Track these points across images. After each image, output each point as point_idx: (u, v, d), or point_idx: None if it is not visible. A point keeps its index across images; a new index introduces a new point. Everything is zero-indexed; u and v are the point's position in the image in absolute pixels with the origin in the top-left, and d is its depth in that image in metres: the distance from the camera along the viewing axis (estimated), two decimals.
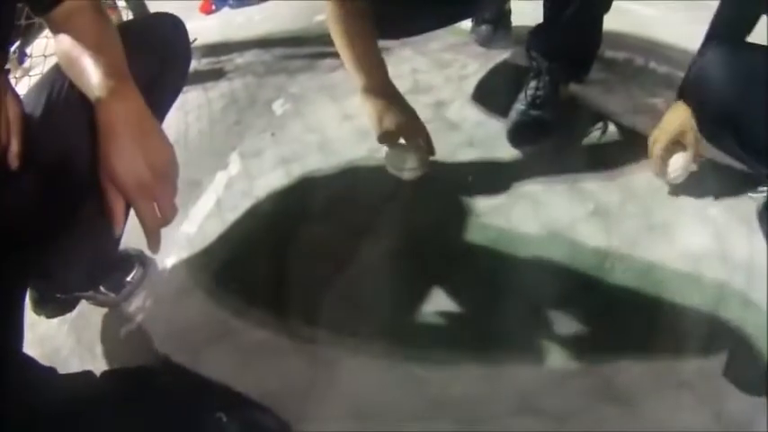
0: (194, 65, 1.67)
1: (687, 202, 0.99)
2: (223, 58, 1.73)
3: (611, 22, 1.08)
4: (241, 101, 1.48)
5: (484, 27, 1.42)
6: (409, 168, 1.05)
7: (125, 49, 0.79)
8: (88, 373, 0.82)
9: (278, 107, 1.41)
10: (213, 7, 2.14)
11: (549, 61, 1.10)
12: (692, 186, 1.00)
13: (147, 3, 1.77)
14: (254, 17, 1.95)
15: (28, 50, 1.73)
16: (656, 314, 0.85)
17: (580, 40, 1.07)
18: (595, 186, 1.06)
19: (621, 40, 1.39)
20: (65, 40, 0.79)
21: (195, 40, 1.90)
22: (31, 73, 1.56)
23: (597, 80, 1.25)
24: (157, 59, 0.92)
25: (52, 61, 0.85)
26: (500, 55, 1.41)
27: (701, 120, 0.87)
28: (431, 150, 1.05)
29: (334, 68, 1.46)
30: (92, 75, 0.72)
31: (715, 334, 0.82)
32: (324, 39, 1.53)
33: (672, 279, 0.89)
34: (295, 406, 0.83)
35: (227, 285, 1.04)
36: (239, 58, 1.70)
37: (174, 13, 0.99)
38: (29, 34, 1.65)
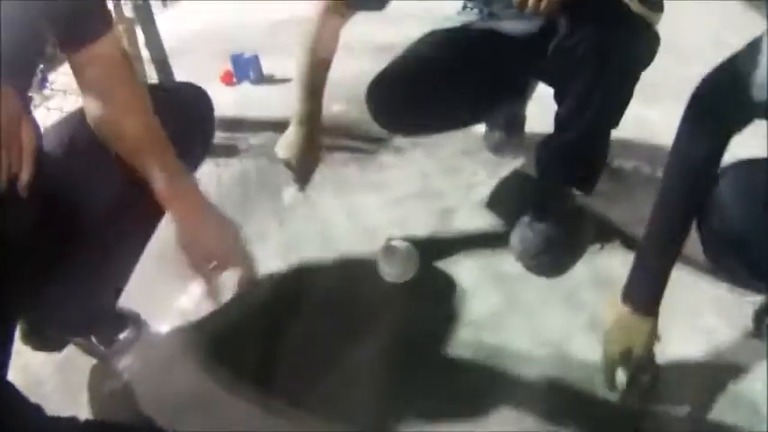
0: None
1: (681, 309, 1.04)
2: (238, 135, 1.83)
3: (619, 128, 1.15)
4: (251, 182, 1.56)
5: (497, 134, 1.52)
6: (388, 273, 1.13)
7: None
8: (72, 419, 0.86)
9: (287, 195, 1.48)
10: (234, 80, 2.27)
11: (555, 174, 1.18)
12: (686, 294, 1.04)
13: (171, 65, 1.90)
14: (272, 97, 2.07)
15: (50, 77, 1.80)
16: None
17: (587, 154, 1.15)
18: (592, 298, 1.12)
19: (629, 148, 1.48)
20: (95, 107, 0.86)
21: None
22: (50, 105, 1.63)
23: (603, 190, 1.32)
24: (183, 132, 0.97)
25: (72, 99, 0.93)
26: (511, 163, 1.50)
27: (708, 246, 0.92)
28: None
29: (345, 163, 1.55)
30: (148, 167, 0.84)
31: None
32: (339, 131, 1.70)
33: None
34: None
35: (216, 360, 1.08)
36: (253, 138, 1.80)
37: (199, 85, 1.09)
38: (53, 59, 1.73)
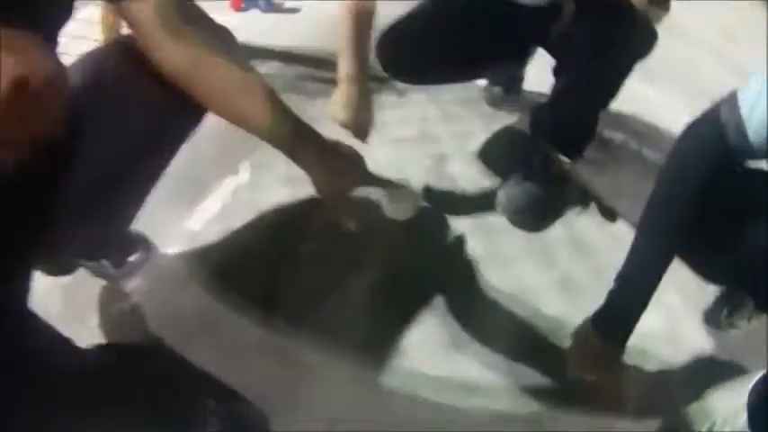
0: None
1: None
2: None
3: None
4: None
5: (496, 89, 1.66)
6: (390, 210, 1.27)
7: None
8: (99, 348, 0.99)
9: None
10: (242, 5, 2.35)
11: (545, 140, 1.34)
12: None
13: None
14: (281, 26, 2.16)
15: None
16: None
17: (576, 128, 1.30)
18: (565, 256, 1.30)
19: (621, 121, 1.63)
20: (172, 51, 0.81)
21: None
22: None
23: (590, 159, 1.48)
24: None
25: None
26: (506, 118, 1.64)
27: None
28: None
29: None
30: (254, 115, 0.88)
31: (650, 401, 1.05)
32: None
33: None
34: (272, 404, 1.03)
35: (222, 283, 1.24)
36: (261, 67, 1.90)
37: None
38: None
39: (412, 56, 1.28)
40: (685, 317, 1.20)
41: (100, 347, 1.05)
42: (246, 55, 0.91)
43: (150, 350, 1.14)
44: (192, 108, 0.92)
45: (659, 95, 1.77)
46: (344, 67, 1.21)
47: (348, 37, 1.19)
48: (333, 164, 0.94)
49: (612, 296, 0.96)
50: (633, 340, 1.08)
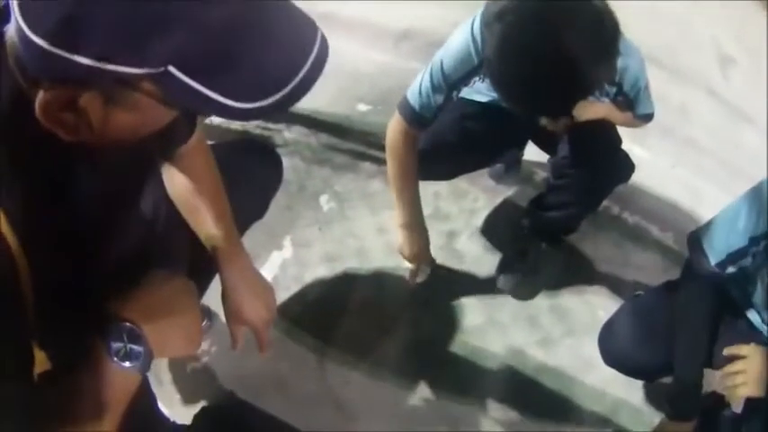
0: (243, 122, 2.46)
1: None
2: (271, 125, 2.48)
3: None
4: (291, 185, 2.24)
5: (498, 165, 2.24)
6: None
7: (226, 184, 1.26)
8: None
9: (324, 203, 2.21)
10: None
11: (536, 232, 1.94)
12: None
13: None
14: None
15: None
16: (569, 409, 1.74)
17: (561, 228, 1.92)
18: (547, 321, 1.93)
19: None
20: (179, 183, 1.22)
21: None
22: None
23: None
24: (252, 197, 1.50)
25: None
26: (507, 191, 2.24)
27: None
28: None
29: (374, 174, 2.24)
30: (211, 234, 1.22)
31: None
32: (366, 137, 2.38)
33: (584, 391, 1.77)
34: None
35: (280, 347, 1.82)
36: (287, 132, 2.46)
37: (270, 144, 1.75)
38: None
39: (450, 166, 1.83)
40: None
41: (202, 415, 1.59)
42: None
43: (238, 409, 1.70)
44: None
45: (644, 153, 2.34)
46: (401, 217, 1.75)
47: (395, 187, 1.72)
48: (248, 295, 1.24)
49: (678, 385, 1.42)
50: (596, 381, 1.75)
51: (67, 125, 0.66)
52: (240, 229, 1.35)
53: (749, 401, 1.32)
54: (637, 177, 2.21)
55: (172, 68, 0.61)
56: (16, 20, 0.60)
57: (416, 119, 1.61)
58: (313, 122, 2.50)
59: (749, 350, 1.32)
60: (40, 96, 0.63)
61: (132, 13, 0.59)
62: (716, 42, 2.92)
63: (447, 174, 1.92)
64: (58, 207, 0.79)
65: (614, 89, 1.57)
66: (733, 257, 1.30)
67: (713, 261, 1.32)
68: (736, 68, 2.81)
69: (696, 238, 1.37)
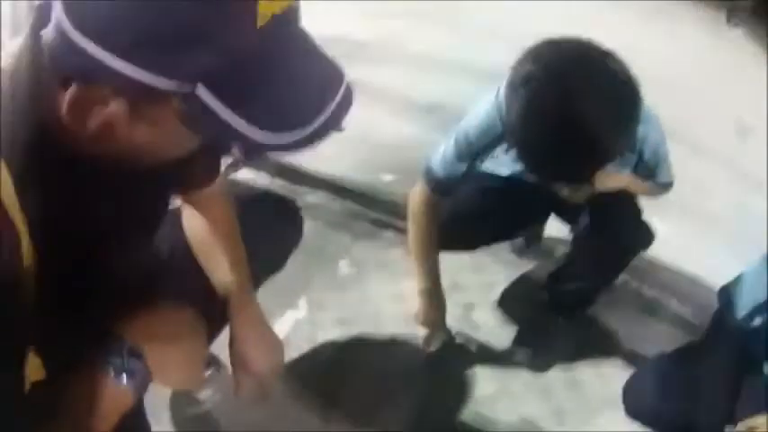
0: (267, 181, 2.55)
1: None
2: (295, 187, 2.57)
3: None
4: (310, 248, 2.29)
5: (519, 239, 2.30)
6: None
7: (244, 235, 1.29)
8: None
9: (343, 267, 2.27)
10: None
11: (553, 306, 1.98)
12: None
13: None
14: (324, 150, 2.80)
15: None
16: None
17: (579, 303, 1.95)
18: (561, 392, 1.93)
19: None
20: (198, 225, 1.27)
21: None
22: None
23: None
24: (270, 250, 1.51)
25: None
26: (528, 265, 2.28)
27: None
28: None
29: (394, 244, 2.30)
30: (224, 279, 1.25)
31: None
32: (389, 207, 2.44)
33: None
34: None
35: (286, 401, 1.83)
36: (310, 196, 2.55)
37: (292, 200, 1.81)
38: None
39: (471, 237, 1.88)
40: None
41: None
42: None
43: None
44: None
45: (663, 227, 2.37)
46: (420, 283, 1.82)
47: (416, 255, 1.80)
48: (256, 345, 1.26)
49: None
50: None
51: (90, 128, 0.68)
52: (256, 280, 1.37)
53: None
54: (655, 251, 2.26)
55: (201, 88, 0.64)
56: (57, 15, 0.63)
57: (440, 186, 1.69)
58: (337, 188, 2.59)
59: (764, 420, 1.34)
60: (70, 92, 0.65)
61: (172, 26, 0.62)
62: (736, 114, 3.00)
63: (465, 245, 1.97)
64: (73, 217, 0.79)
65: (635, 157, 1.63)
66: (759, 309, 1.37)
67: (740, 313, 1.40)
68: (755, 139, 2.88)
69: (725, 290, 1.46)
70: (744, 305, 1.39)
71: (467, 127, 1.62)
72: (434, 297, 1.86)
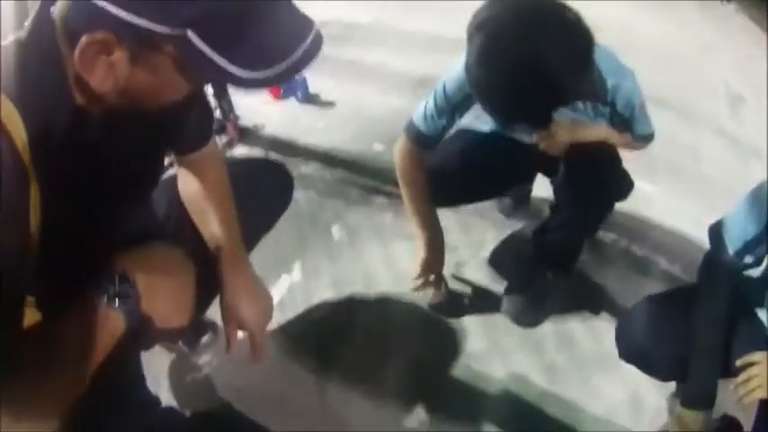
0: (262, 154, 2.60)
1: (618, 366, 1.79)
2: (289, 159, 2.62)
3: None
4: (304, 216, 2.36)
5: (507, 200, 2.33)
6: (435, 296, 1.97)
7: (235, 195, 1.36)
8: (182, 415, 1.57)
9: (335, 232, 2.32)
10: (281, 94, 3.06)
11: (540, 259, 2.01)
12: None
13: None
14: (317, 124, 2.88)
15: None
16: None
17: (565, 255, 1.98)
18: (552, 347, 1.96)
19: (614, 220, 2.18)
20: (191, 185, 1.35)
21: (264, 126, 2.84)
22: None
23: (581, 260, 2.10)
24: (260, 211, 1.56)
25: None
26: (516, 225, 2.32)
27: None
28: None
29: (384, 208, 2.35)
30: (215, 235, 1.31)
31: None
32: (380, 174, 2.49)
33: (589, 420, 1.77)
34: None
35: (282, 362, 1.88)
36: (303, 167, 2.60)
37: (282, 164, 1.85)
38: None
39: (455, 192, 1.90)
40: (649, 390, 1.81)
41: (195, 416, 1.68)
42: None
43: (230, 417, 1.73)
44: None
45: (653, 189, 2.40)
46: (421, 235, 1.85)
47: (410, 209, 1.83)
48: (246, 298, 1.30)
49: (694, 377, 1.44)
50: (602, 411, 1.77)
51: (98, 74, 0.78)
52: (248, 239, 1.43)
53: (764, 405, 1.35)
54: (645, 212, 2.33)
55: (190, 33, 0.74)
56: None
57: (421, 139, 1.74)
58: (329, 159, 2.65)
59: (762, 356, 1.35)
60: (80, 44, 0.75)
61: None
62: (725, 81, 3.03)
63: (451, 199, 2.01)
64: (80, 170, 0.89)
65: (608, 109, 1.66)
66: (749, 245, 1.35)
67: (731, 250, 1.38)
68: (745, 106, 2.91)
69: (716, 227, 1.44)
70: (734, 242, 1.37)
71: (445, 82, 1.67)
72: (435, 244, 1.88)
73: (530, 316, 2.04)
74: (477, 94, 1.42)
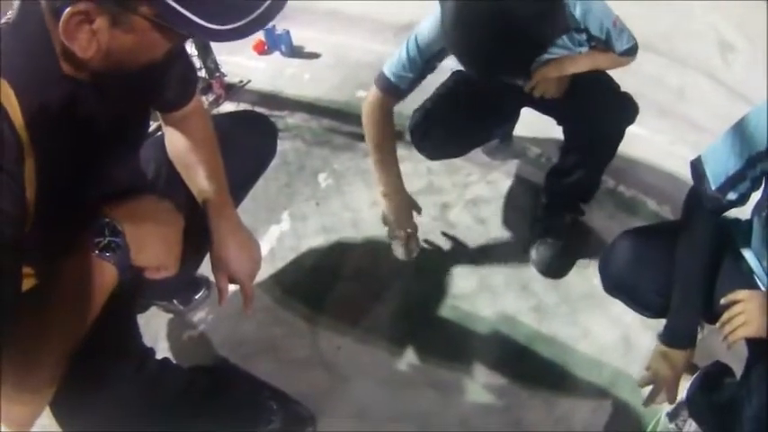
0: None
1: (608, 307, 1.82)
2: (275, 112, 2.58)
3: None
4: (291, 164, 2.33)
5: (492, 141, 2.29)
6: (400, 254, 1.90)
7: (222, 149, 1.38)
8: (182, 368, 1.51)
9: (322, 179, 2.28)
10: (265, 49, 3.00)
11: (558, 204, 1.98)
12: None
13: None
14: (303, 75, 2.82)
15: None
16: (562, 377, 1.71)
17: (582, 191, 1.97)
18: (541, 288, 1.94)
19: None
20: (178, 142, 1.37)
21: (249, 81, 2.79)
22: None
23: None
24: (247, 162, 1.58)
25: None
26: (500, 166, 2.28)
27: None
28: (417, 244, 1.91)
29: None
30: (203, 189, 1.32)
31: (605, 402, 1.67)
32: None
33: (579, 360, 1.75)
34: (318, 404, 1.64)
35: (275, 313, 1.88)
36: (290, 118, 2.56)
37: (265, 115, 1.82)
38: None
39: (441, 141, 1.87)
40: (640, 331, 1.80)
41: (191, 369, 1.63)
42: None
43: (225, 369, 1.76)
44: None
45: (642, 131, 2.35)
46: (382, 185, 1.82)
47: (374, 156, 1.81)
48: (235, 248, 1.31)
49: (670, 315, 1.43)
50: (592, 351, 1.75)
51: (82, 42, 0.85)
52: (235, 190, 1.42)
53: (751, 344, 1.35)
54: (634, 153, 2.28)
55: None
56: None
57: (391, 89, 1.72)
58: (315, 108, 2.61)
59: (746, 294, 1.32)
60: (64, 16, 0.82)
61: None
62: (716, 30, 2.94)
63: (449, 150, 1.98)
64: (70, 129, 0.97)
65: (584, 35, 1.62)
66: (732, 181, 1.32)
67: (714, 185, 1.34)
68: (736, 54, 2.83)
69: (698, 162, 1.40)
70: (716, 177, 1.33)
71: (417, 34, 1.65)
72: (398, 196, 1.85)
73: (558, 265, 2.00)
74: (457, 56, 1.42)
